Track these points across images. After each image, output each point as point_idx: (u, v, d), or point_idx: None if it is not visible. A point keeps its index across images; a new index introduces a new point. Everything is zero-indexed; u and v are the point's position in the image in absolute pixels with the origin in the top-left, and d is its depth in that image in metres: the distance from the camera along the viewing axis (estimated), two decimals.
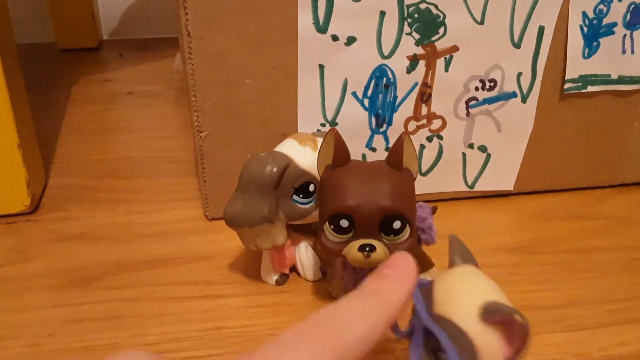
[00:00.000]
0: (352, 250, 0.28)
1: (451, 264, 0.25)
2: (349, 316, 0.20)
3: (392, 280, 0.22)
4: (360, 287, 0.22)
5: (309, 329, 0.20)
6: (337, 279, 0.33)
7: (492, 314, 0.21)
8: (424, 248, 0.33)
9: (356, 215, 0.27)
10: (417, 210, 0.31)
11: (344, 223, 0.28)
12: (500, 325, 0.21)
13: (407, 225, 0.28)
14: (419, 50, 0.37)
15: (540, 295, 0.34)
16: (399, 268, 0.22)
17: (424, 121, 0.40)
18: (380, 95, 0.38)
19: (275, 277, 0.35)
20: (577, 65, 0.40)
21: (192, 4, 0.34)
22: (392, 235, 0.28)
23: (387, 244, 0.28)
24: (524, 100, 0.40)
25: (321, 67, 0.37)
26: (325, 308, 0.21)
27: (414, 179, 0.29)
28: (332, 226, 0.28)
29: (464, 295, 0.22)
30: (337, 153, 0.29)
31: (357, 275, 0.31)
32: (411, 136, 0.40)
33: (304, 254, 0.35)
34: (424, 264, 0.34)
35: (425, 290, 0.24)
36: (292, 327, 0.20)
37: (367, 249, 0.27)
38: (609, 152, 0.45)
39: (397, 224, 0.27)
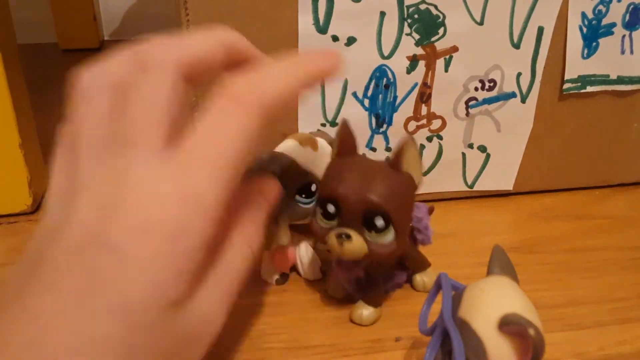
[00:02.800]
0: (331, 236, 0.28)
1: (488, 273, 0.25)
2: (272, 77, 0.22)
3: (311, 56, 0.24)
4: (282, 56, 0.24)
5: (236, 96, 0.21)
6: (333, 277, 0.33)
7: (508, 325, 0.21)
8: (420, 248, 0.33)
9: (341, 202, 0.28)
10: (414, 211, 0.31)
11: (331, 208, 0.28)
12: (516, 338, 0.21)
13: (391, 226, 0.28)
14: (419, 51, 0.37)
15: (539, 295, 0.34)
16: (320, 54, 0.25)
17: (424, 121, 0.40)
18: (380, 96, 0.39)
19: (275, 277, 0.35)
20: (576, 66, 0.40)
21: (193, 4, 0.34)
22: (373, 232, 0.28)
23: (368, 241, 0.28)
24: (523, 100, 0.41)
25: None
26: (246, 74, 0.21)
27: (416, 186, 0.29)
28: (321, 210, 0.29)
29: (488, 304, 0.23)
30: (341, 142, 0.29)
31: (350, 272, 0.31)
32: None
33: (304, 254, 0.35)
34: (420, 264, 0.34)
35: (456, 295, 0.24)
36: (217, 95, 0.21)
37: (342, 236, 0.28)
38: (608, 151, 0.45)
39: (379, 221, 0.27)
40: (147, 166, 0.19)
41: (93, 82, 0.21)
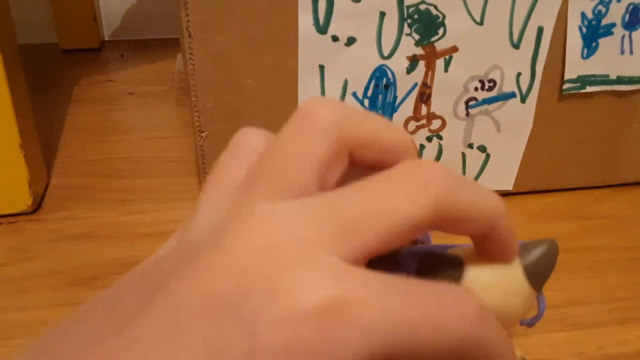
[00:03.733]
0: None
1: None
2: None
3: None
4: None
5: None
6: None
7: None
8: None
9: None
10: None
11: None
12: None
13: None
14: (419, 51, 0.37)
15: None
16: None
17: (424, 121, 0.40)
18: (380, 96, 0.39)
19: None
20: (576, 66, 0.40)
21: (193, 4, 0.34)
22: None
23: None
24: (523, 100, 0.41)
25: (321, 67, 0.37)
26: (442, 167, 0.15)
27: None
28: None
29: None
30: None
31: None
32: (411, 136, 0.40)
33: None
34: None
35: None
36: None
37: None
38: (607, 151, 0.45)
39: None
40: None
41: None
